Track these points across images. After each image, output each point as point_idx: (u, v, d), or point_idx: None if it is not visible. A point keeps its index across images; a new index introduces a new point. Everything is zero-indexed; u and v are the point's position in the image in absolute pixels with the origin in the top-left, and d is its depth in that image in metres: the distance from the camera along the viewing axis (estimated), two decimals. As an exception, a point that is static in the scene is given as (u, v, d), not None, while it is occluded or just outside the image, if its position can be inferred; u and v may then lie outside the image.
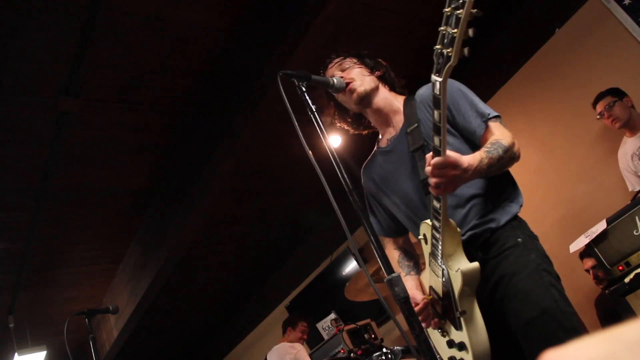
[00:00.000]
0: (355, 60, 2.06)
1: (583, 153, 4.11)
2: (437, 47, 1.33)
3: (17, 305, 5.49)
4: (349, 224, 1.46)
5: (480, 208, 1.85)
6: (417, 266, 2.14)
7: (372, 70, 2.06)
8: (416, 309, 1.92)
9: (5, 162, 3.85)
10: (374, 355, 3.22)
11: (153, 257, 5.16)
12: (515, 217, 1.86)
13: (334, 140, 4.82)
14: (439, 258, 1.75)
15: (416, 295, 1.96)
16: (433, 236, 1.74)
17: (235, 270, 7.01)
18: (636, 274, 2.65)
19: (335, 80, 1.84)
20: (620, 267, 2.77)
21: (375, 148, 2.16)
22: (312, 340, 6.12)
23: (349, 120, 2.17)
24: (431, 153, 1.54)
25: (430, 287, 1.90)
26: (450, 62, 1.32)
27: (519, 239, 1.80)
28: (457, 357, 1.83)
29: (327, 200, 1.47)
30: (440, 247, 1.72)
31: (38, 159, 3.89)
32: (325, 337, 5.23)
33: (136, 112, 3.89)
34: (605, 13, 3.93)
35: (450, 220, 1.72)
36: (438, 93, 1.41)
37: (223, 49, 3.66)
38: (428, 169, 1.53)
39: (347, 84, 1.96)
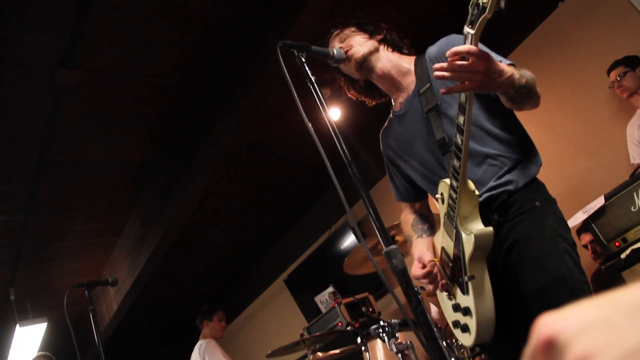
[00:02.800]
0: (354, 29, 2.02)
1: (583, 129, 4.10)
2: None
3: (18, 278, 5.52)
4: (348, 198, 1.46)
5: (498, 169, 1.81)
6: (432, 229, 2.12)
7: (371, 35, 2.02)
8: (423, 271, 1.92)
9: (2, 135, 3.83)
10: (372, 328, 3.25)
11: (152, 231, 5.18)
12: (534, 180, 1.83)
13: (334, 114, 4.80)
14: (454, 219, 1.73)
15: (424, 256, 1.95)
16: (450, 196, 1.71)
17: (234, 244, 7.04)
18: (632, 249, 2.67)
19: (335, 51, 1.82)
20: (617, 243, 2.79)
21: (390, 114, 2.12)
22: (310, 313, 6.18)
23: (361, 90, 2.14)
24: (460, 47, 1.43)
25: (442, 249, 1.88)
26: (485, 14, 1.28)
27: (537, 203, 1.77)
28: (462, 322, 1.82)
29: (327, 173, 1.47)
30: (456, 208, 1.70)
31: (36, 131, 3.87)
32: (323, 311, 5.27)
33: (135, 85, 3.86)
34: (609, -13, 3.88)
35: (469, 181, 1.69)
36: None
37: (222, 21, 3.62)
38: (455, 64, 1.42)
39: (346, 52, 1.94)
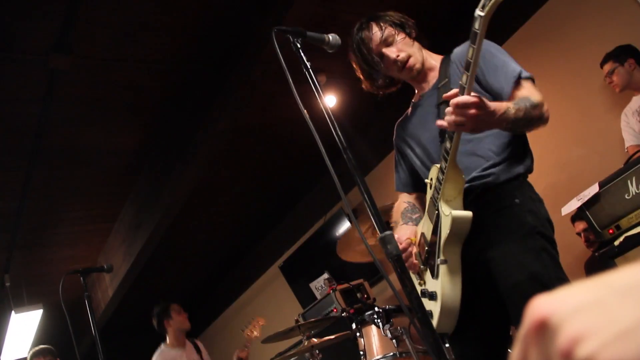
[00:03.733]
0: (392, 30, 2.02)
1: (578, 117, 4.10)
2: None
3: (13, 264, 5.52)
4: (343, 185, 1.46)
5: (485, 161, 1.85)
6: (420, 220, 2.14)
7: (409, 36, 2.04)
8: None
9: (-4, 120, 3.81)
10: (366, 314, 3.27)
11: (147, 217, 5.18)
12: (518, 177, 1.85)
13: (329, 100, 4.79)
14: (437, 201, 1.75)
15: (402, 237, 1.98)
16: (437, 178, 1.74)
17: (229, 230, 7.04)
18: (626, 237, 2.68)
19: (330, 38, 1.81)
20: (611, 231, 2.79)
21: (409, 107, 2.18)
22: (305, 299, 6.20)
23: (381, 86, 2.15)
24: (456, 89, 1.54)
25: (422, 234, 1.91)
26: None
27: (517, 200, 1.79)
28: (426, 309, 1.84)
29: (322, 160, 1.47)
30: (440, 189, 1.72)
31: (30, 118, 3.84)
32: (318, 297, 5.30)
33: (129, 70, 3.84)
34: (606, -26, 3.86)
35: (458, 165, 1.72)
36: (477, 28, 1.41)
37: (218, 6, 3.59)
38: (450, 108, 1.53)
39: (406, 62, 1.97)
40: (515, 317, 1.72)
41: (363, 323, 3.31)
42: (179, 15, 3.55)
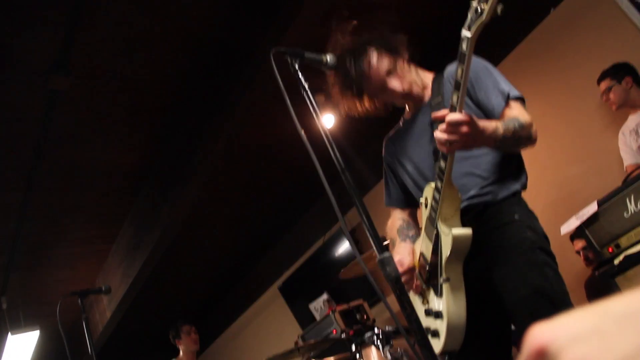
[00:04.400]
0: (394, 59, 1.98)
1: (576, 135, 4.11)
2: (474, 1, 1.34)
3: (10, 286, 5.48)
4: (342, 204, 1.46)
5: (482, 180, 1.85)
6: (417, 237, 2.13)
7: (407, 61, 2.01)
8: (400, 270, 1.93)
9: (-5, 141, 3.81)
10: (366, 335, 3.25)
11: (146, 238, 5.16)
12: (515, 194, 1.86)
13: (328, 119, 4.80)
14: (435, 220, 1.75)
15: (404, 259, 1.97)
16: (434, 197, 1.74)
17: (228, 251, 7.02)
18: (626, 255, 2.67)
19: (328, 58, 1.82)
20: (610, 249, 2.78)
21: (400, 121, 2.18)
22: (305, 320, 6.16)
23: (367, 107, 2.09)
24: (447, 110, 1.56)
25: (421, 253, 1.91)
26: (482, 19, 1.33)
27: (516, 216, 1.80)
28: (432, 327, 1.83)
29: (321, 180, 1.47)
30: (437, 209, 1.72)
31: (29, 138, 3.85)
32: (318, 318, 5.25)
33: (128, 90, 3.85)
34: (601, -6, 3.90)
35: (453, 184, 1.72)
36: (464, 49, 1.42)
37: (217, 26, 3.62)
38: (442, 126, 1.54)
39: (409, 91, 1.97)
40: (521, 332, 1.71)
41: (363, 344, 3.28)
42: (178, 35, 3.57)
